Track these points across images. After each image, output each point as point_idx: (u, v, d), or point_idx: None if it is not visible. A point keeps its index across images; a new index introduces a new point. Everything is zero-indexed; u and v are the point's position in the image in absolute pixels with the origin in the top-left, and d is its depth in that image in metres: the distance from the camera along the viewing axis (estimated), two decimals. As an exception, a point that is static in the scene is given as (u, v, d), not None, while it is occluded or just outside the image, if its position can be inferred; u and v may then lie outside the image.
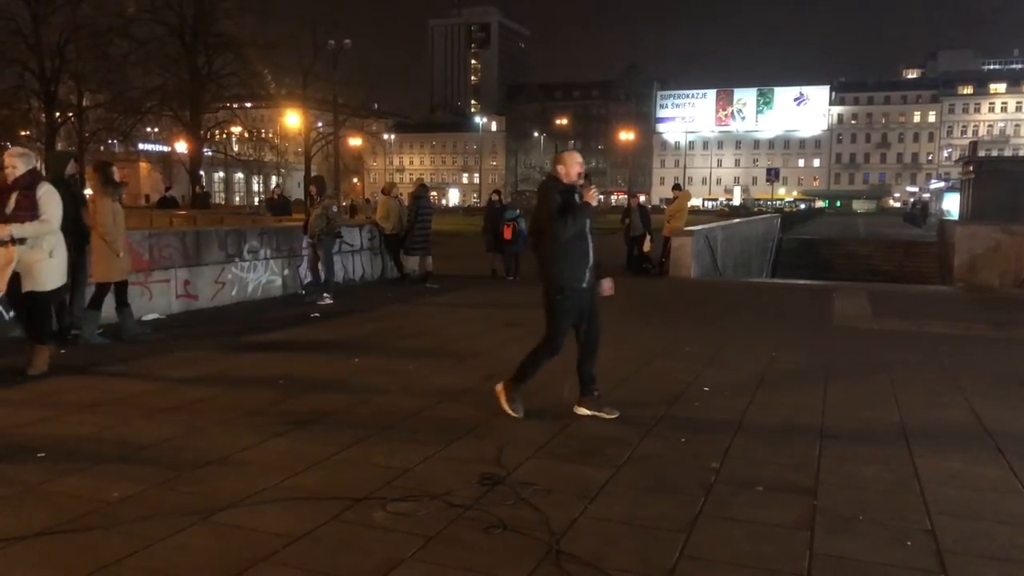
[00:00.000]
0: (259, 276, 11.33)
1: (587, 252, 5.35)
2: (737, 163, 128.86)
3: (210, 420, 5.38)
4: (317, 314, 10.17)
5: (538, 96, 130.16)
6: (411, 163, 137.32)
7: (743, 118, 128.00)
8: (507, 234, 14.80)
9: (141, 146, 57.42)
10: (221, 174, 62.55)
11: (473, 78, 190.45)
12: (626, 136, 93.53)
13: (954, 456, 4.90)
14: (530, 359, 5.51)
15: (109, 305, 8.07)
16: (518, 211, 15.18)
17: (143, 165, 61.52)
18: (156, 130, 53.15)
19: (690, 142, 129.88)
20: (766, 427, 5.47)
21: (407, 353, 7.86)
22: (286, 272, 12.08)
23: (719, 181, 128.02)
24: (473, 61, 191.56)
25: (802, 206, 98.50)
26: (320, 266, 11.22)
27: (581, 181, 5.33)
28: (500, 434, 5.19)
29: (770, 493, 4.24)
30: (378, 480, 4.28)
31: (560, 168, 5.38)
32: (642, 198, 19.62)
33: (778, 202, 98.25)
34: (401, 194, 14.58)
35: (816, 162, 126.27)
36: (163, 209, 23.14)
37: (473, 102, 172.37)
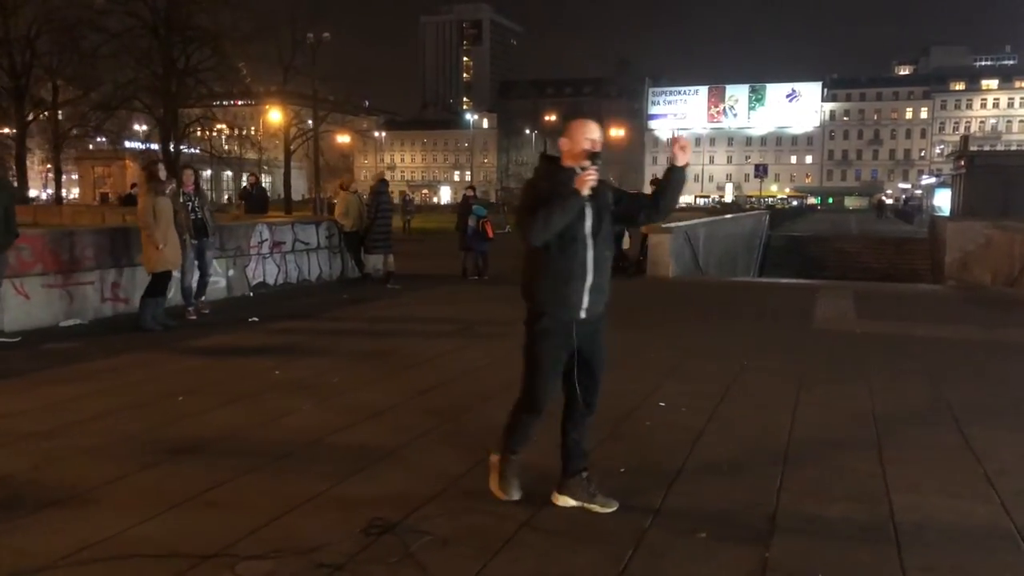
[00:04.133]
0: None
1: (582, 263, 3.62)
2: (729, 160, 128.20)
3: (79, 446, 4.63)
4: (256, 318, 9.41)
5: (530, 93, 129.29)
6: (402, 160, 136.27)
7: (735, 115, 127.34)
8: (489, 231, 14.11)
9: (127, 144, 56.46)
10: (208, 172, 61.73)
11: (465, 75, 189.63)
12: (617, 133, 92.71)
13: (939, 490, 4.18)
14: (511, 423, 3.87)
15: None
16: (485, 209, 14.43)
17: (128, 163, 60.65)
18: (145, 128, 52.27)
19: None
20: (722, 452, 4.75)
21: (341, 361, 7.12)
22: (231, 273, 11.31)
23: (711, 178, 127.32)
24: (465, 58, 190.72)
25: (794, 203, 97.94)
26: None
27: (585, 162, 3.56)
28: (410, 465, 4.46)
29: (715, 543, 3.52)
30: (242, 528, 3.54)
31: (564, 142, 3.63)
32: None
33: (769, 199, 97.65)
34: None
35: (808, 159, 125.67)
36: (127, 207, 22.27)
37: (465, 99, 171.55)
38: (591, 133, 3.59)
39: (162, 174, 8.47)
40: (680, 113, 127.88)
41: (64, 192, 56.67)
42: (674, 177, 3.66)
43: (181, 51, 34.48)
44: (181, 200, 9.20)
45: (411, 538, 3.48)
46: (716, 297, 12.73)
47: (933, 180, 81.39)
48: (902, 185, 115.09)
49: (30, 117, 35.53)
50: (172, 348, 7.61)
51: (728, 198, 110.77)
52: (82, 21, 32.33)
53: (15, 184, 37.18)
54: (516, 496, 3.87)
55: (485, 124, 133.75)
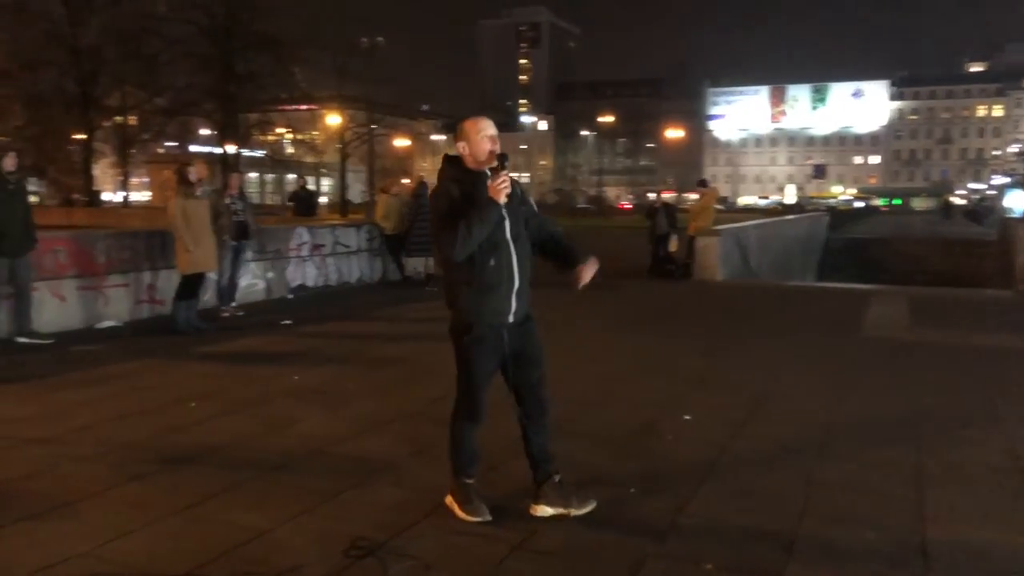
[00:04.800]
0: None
1: (508, 269, 3.51)
2: (791, 160, 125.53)
3: (77, 454, 4.55)
4: (289, 321, 9.35)
5: (587, 94, 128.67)
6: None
7: (797, 114, 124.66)
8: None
9: (193, 147, 57.85)
10: (255, 175, 62.95)
11: (523, 77, 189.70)
12: (675, 134, 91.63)
13: (979, 516, 3.80)
14: (454, 436, 3.77)
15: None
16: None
17: (199, 165, 62.04)
18: (212, 133, 53.58)
19: (742, 139, 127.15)
20: (744, 472, 4.43)
21: (361, 367, 6.98)
22: (270, 275, 11.30)
23: (773, 179, 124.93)
24: (523, 60, 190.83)
25: (858, 204, 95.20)
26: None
27: (493, 163, 3.49)
28: (407, 479, 4.26)
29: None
30: (218, 547, 3.38)
31: (462, 146, 3.52)
32: (667, 196, 18.44)
33: (831, 200, 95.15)
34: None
35: (873, 159, 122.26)
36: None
37: (523, 101, 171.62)
38: (488, 130, 3.49)
39: (192, 176, 8.43)
40: (740, 113, 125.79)
41: (137, 195, 58.43)
42: (562, 265, 3.74)
43: (240, 56, 35.09)
44: (226, 202, 9.24)
45: (392, 561, 3.27)
46: (763, 302, 12.26)
47: (1007, 180, 78.28)
48: (973, 185, 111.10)
49: (99, 123, 36.56)
50: (197, 351, 7.58)
51: (789, 199, 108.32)
52: (145, 29, 33.18)
53: (92, 187, 38.50)
54: (488, 516, 3.66)
55: (544, 126, 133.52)
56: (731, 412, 5.63)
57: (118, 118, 37.14)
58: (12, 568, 3.18)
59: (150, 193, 66.31)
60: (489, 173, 3.48)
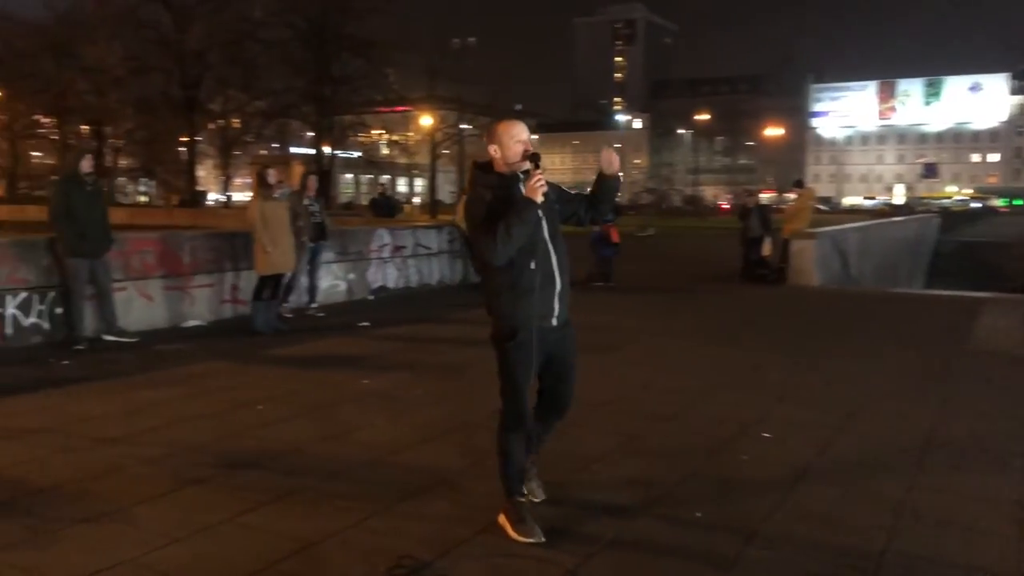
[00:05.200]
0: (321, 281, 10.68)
1: (548, 271, 3.46)
2: (900, 159, 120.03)
3: (142, 456, 4.59)
4: (367, 323, 9.37)
5: (683, 92, 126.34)
6: (552, 163, 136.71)
7: (908, 110, 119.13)
8: (614, 236, 13.63)
9: (294, 149, 59.71)
10: (350, 176, 64.41)
11: (617, 75, 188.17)
12: (775, 132, 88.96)
13: (1091, 565, 3.38)
14: (503, 449, 3.67)
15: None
16: (612, 213, 13.85)
17: (296, 166, 64.16)
18: (311, 134, 55.23)
19: (847, 137, 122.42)
20: (824, 497, 4.09)
21: (432, 371, 6.89)
22: (351, 276, 11.40)
23: (880, 178, 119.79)
24: (618, 58, 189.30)
25: (976, 205, 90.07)
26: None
27: (526, 165, 3.41)
28: (463, 493, 4.12)
29: (786, 616, 2.95)
30: (261, 559, 3.31)
31: (494, 149, 3.47)
32: (765, 196, 17.78)
33: (944, 201, 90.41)
34: None
35: (992, 157, 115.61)
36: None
37: (617, 99, 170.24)
38: (520, 134, 3.46)
39: (271, 178, 8.53)
40: (845, 110, 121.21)
41: (240, 195, 60.70)
42: (605, 184, 3.62)
43: (334, 59, 35.96)
44: (304, 204, 9.35)
45: (436, 584, 3.13)
46: (861, 310, 11.61)
47: None
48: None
49: (203, 126, 38.14)
50: (272, 353, 7.64)
51: (898, 200, 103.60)
52: (243, 34, 34.41)
53: (197, 186, 40.26)
54: (541, 538, 3.51)
55: (639, 124, 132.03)
56: (816, 430, 5.26)
57: (220, 121, 38.69)
58: (54, 572, 3.18)
59: (251, 194, 68.82)
60: (522, 176, 3.45)
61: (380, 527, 3.69)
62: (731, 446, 4.95)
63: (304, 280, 9.87)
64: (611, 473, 4.46)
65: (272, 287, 8.55)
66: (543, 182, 3.37)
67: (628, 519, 3.80)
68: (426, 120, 43.45)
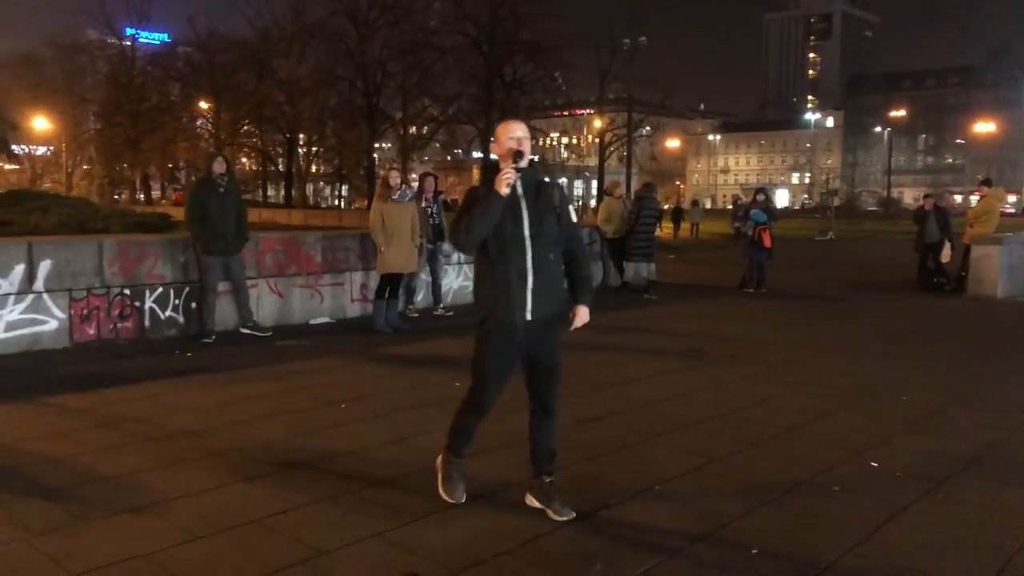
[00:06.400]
0: (449, 281, 10.75)
1: (522, 266, 3.59)
2: None
3: (211, 449, 4.69)
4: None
5: (883, 87, 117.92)
6: (736, 164, 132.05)
7: None
8: (766, 240, 12.84)
9: (475, 154, 61.50)
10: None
11: (810, 72, 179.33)
12: (986, 127, 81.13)
13: None
14: (456, 422, 3.95)
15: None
16: (765, 215, 13.00)
17: (475, 171, 66.26)
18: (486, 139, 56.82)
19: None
20: (913, 546, 3.49)
21: (531, 379, 6.67)
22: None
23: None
24: (811, 54, 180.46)
25: None
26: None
27: (509, 162, 3.56)
28: (502, 510, 3.88)
29: None
30: (268, 565, 3.24)
31: (495, 147, 3.69)
32: (957, 197, 16.11)
33: None
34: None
35: None
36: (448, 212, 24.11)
37: (810, 97, 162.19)
38: (514, 132, 3.63)
39: (392, 181, 8.65)
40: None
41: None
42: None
43: (507, 63, 36.59)
44: (423, 206, 9.44)
45: (425, 609, 2.92)
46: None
47: None
48: None
49: (383, 131, 40.06)
50: (383, 352, 7.72)
51: None
52: (419, 43, 35.77)
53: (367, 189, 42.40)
54: (461, 498, 3.86)
55: (830, 123, 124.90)
56: (936, 462, 4.58)
57: (401, 130, 40.46)
58: (65, 563, 3.23)
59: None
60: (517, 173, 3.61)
61: (401, 539, 3.53)
62: (827, 474, 4.39)
63: (426, 280, 9.98)
64: (670, 500, 4.05)
65: (391, 287, 8.65)
66: (510, 176, 3.50)
67: (667, 555, 3.40)
68: (595, 122, 43.30)
